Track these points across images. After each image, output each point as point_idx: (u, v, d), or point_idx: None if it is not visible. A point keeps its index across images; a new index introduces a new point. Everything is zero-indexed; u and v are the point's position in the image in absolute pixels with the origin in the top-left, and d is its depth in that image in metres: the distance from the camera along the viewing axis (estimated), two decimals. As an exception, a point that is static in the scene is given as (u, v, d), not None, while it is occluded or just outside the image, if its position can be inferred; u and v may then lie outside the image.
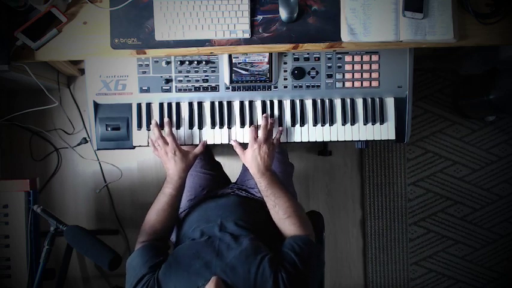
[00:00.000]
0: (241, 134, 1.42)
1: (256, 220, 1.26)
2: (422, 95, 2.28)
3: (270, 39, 1.26)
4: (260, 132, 1.33)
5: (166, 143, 1.33)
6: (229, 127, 1.42)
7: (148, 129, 1.40)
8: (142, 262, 1.12)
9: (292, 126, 1.42)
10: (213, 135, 1.41)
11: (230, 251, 1.08)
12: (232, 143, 1.37)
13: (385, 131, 1.44)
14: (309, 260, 1.10)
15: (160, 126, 1.38)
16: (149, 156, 2.21)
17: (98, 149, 1.43)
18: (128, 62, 1.38)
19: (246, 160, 1.31)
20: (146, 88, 1.39)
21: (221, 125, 1.41)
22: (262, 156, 1.28)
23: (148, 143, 1.39)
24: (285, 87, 1.41)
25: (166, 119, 1.37)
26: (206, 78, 1.39)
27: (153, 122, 1.38)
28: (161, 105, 1.41)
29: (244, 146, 1.36)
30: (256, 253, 1.07)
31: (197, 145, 1.38)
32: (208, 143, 1.39)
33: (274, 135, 1.37)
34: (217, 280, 0.92)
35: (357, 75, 1.41)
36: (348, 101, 1.43)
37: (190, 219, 1.32)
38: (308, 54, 1.39)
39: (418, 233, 2.28)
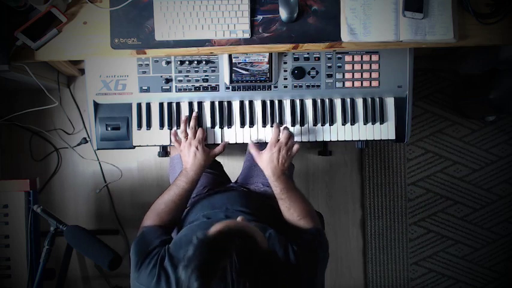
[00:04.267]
0: (240, 133, 1.42)
1: (262, 209, 1.28)
2: (422, 95, 2.27)
3: (270, 39, 1.26)
4: (282, 135, 1.30)
5: (194, 135, 1.34)
6: (229, 127, 1.42)
7: (148, 128, 1.41)
8: (153, 238, 1.13)
9: (292, 126, 1.42)
10: (213, 135, 1.42)
11: None
12: (249, 142, 1.36)
13: (385, 131, 1.44)
14: (323, 245, 1.15)
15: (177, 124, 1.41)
16: (149, 157, 2.21)
17: (98, 149, 1.43)
18: (128, 62, 1.38)
19: (262, 161, 1.29)
20: (146, 88, 1.39)
21: (221, 125, 1.41)
22: (280, 160, 1.26)
23: (170, 137, 1.40)
24: (285, 87, 1.41)
25: (194, 113, 1.39)
26: (206, 78, 1.39)
27: (194, 113, 1.39)
28: (161, 105, 1.41)
29: (240, 145, 1.36)
30: (264, 230, 1.09)
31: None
32: (208, 142, 1.39)
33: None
34: (242, 218, 0.97)
35: (357, 75, 1.41)
36: (348, 100, 1.43)
37: (193, 210, 1.33)
38: (308, 54, 1.39)
39: (418, 233, 2.28)
